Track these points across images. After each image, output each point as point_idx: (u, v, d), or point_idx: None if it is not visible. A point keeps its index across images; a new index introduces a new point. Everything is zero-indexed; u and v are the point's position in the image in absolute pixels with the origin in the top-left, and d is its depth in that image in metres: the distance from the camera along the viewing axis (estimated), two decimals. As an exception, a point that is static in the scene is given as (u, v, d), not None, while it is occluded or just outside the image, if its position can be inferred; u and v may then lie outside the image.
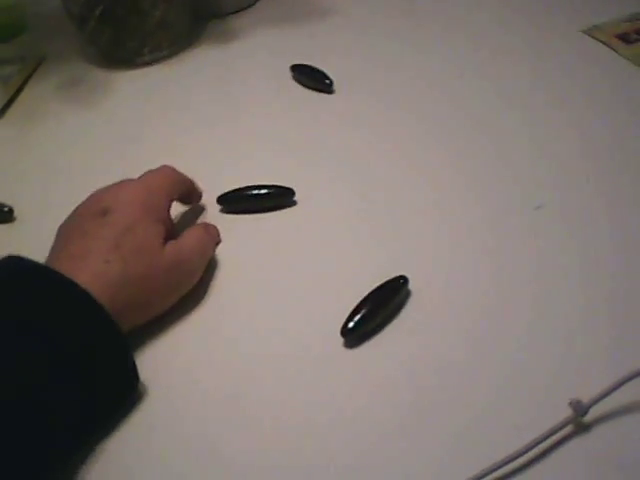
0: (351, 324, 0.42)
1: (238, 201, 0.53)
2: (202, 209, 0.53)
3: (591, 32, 0.65)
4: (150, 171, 0.49)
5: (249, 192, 0.52)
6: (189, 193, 0.51)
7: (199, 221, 0.52)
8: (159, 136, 0.61)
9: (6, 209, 0.54)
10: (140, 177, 0.48)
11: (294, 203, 0.52)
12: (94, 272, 0.39)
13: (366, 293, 0.43)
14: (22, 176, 0.59)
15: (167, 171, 0.49)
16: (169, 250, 0.44)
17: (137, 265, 0.41)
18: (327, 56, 0.66)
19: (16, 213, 0.55)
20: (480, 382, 0.39)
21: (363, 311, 0.42)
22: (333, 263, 0.47)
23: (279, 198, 0.52)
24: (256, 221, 0.51)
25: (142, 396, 0.41)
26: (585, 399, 0.35)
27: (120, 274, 0.40)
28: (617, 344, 0.40)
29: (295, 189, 0.52)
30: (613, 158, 0.52)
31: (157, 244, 0.43)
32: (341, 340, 0.42)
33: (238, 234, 0.50)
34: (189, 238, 0.46)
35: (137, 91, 0.68)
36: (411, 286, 0.44)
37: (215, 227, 0.50)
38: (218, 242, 0.50)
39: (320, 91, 0.63)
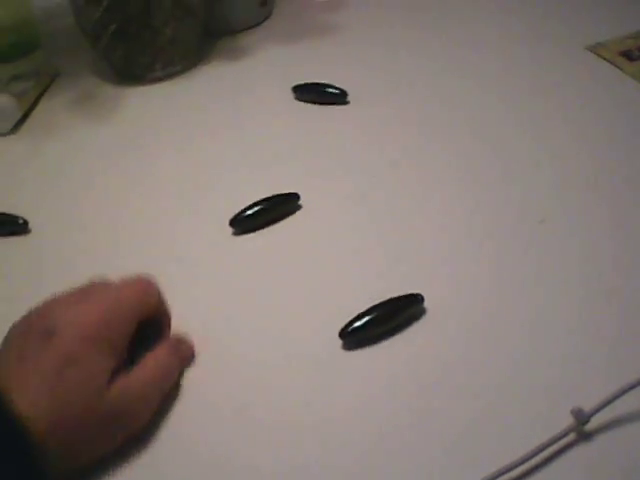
0: (351, 327, 0.43)
1: (248, 221, 0.53)
2: (214, 232, 0.53)
3: (595, 49, 0.66)
4: (125, 284, 0.42)
5: (256, 208, 0.53)
6: (161, 319, 0.44)
7: (210, 244, 0.52)
8: (169, 150, 0.62)
9: (21, 221, 0.55)
10: (111, 287, 0.42)
11: (300, 208, 0.54)
12: (22, 413, 0.34)
13: (370, 302, 0.44)
14: (36, 189, 0.60)
15: (140, 287, 0.43)
16: (114, 391, 0.38)
17: (72, 408, 0.36)
18: (336, 71, 0.68)
19: (31, 225, 0.56)
20: (482, 390, 0.40)
21: (366, 317, 0.43)
22: (340, 270, 0.48)
23: (285, 206, 0.53)
24: (266, 235, 0.52)
25: None
26: (587, 407, 0.36)
27: (46, 423, 0.35)
28: (619, 353, 0.40)
29: (303, 196, 0.53)
30: (617, 174, 0.53)
31: (100, 384, 0.37)
32: (339, 342, 0.43)
33: (250, 252, 0.51)
34: (146, 369, 0.40)
35: (149, 106, 0.69)
36: (425, 303, 0.45)
37: (189, 344, 0.44)
38: (190, 361, 0.44)
39: (332, 104, 0.64)
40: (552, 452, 0.36)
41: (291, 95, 0.66)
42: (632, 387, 0.36)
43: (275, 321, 0.46)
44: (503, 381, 0.40)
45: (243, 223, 0.53)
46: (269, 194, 0.54)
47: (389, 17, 0.76)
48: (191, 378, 0.43)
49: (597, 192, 0.51)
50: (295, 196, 0.53)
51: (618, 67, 0.63)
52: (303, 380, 0.42)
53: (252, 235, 0.52)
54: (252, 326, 0.46)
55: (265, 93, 0.68)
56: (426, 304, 0.45)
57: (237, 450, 0.39)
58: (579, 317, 0.43)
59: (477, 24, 0.73)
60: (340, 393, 0.41)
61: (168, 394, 0.41)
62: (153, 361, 0.41)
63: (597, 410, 0.36)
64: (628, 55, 0.64)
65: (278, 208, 0.53)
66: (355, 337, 0.43)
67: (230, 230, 0.53)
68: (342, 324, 0.43)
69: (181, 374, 0.43)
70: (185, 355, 0.43)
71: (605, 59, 0.64)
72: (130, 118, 0.68)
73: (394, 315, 0.44)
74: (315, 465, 0.38)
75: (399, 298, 0.44)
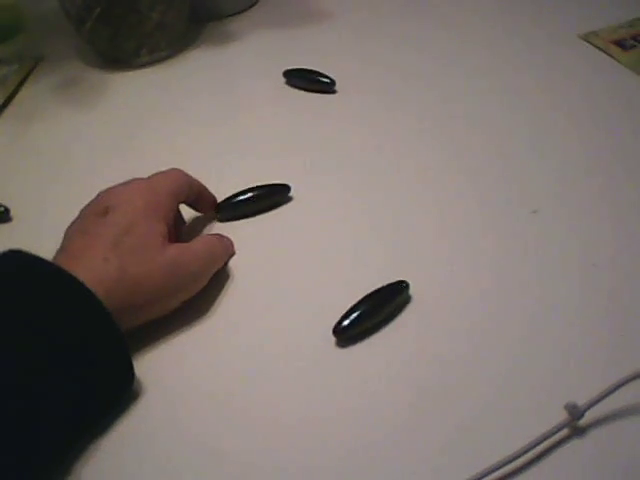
0: (344, 323, 0.42)
1: (235, 208, 0.52)
2: (201, 218, 0.52)
3: (588, 38, 0.65)
4: (159, 172, 0.48)
5: (244, 196, 0.52)
6: (198, 198, 0.50)
7: (200, 231, 0.52)
8: (156, 137, 0.61)
9: (2, 209, 0.54)
10: (147, 177, 0.47)
11: (290, 199, 0.52)
12: (91, 270, 0.39)
13: (361, 293, 0.43)
14: (18, 176, 0.59)
15: (175, 174, 0.48)
16: (171, 251, 0.43)
17: (135, 264, 0.41)
18: (325, 58, 0.67)
19: (12, 213, 0.54)
20: (475, 385, 0.39)
21: (357, 312, 0.42)
22: (330, 262, 0.47)
23: (275, 196, 0.52)
24: (254, 224, 0.51)
25: (138, 395, 0.40)
26: (581, 402, 0.36)
27: (117, 273, 0.40)
28: (613, 347, 0.40)
29: (294, 187, 0.52)
30: (609, 163, 0.52)
31: (157, 243, 0.42)
32: (333, 339, 0.42)
33: (237, 239, 0.50)
34: (197, 243, 0.46)
35: (134, 92, 0.68)
36: (411, 290, 0.44)
37: (230, 240, 0.49)
38: (231, 254, 0.48)
39: (320, 92, 0.63)
40: (546, 447, 0.35)
41: (281, 80, 0.65)
42: (626, 382, 0.36)
43: (269, 318, 0.45)
44: (496, 376, 0.39)
45: (230, 210, 0.52)
46: (257, 181, 0.53)
47: (380, 4, 0.75)
48: (186, 376, 0.42)
49: (591, 182, 0.51)
50: (286, 188, 0.52)
51: (611, 56, 0.63)
52: (295, 378, 0.41)
53: (239, 223, 0.51)
54: (239, 317, 0.45)
55: (252, 79, 0.67)
56: (420, 296, 0.44)
57: (220, 441, 0.38)
58: (572, 311, 0.42)
59: (469, 12, 0.72)
60: (334, 389, 0.40)
61: (215, 274, 0.46)
62: (203, 239, 0.48)
63: (591, 405, 0.35)
64: (621, 44, 0.63)
65: (268, 198, 0.52)
66: (349, 333, 0.42)
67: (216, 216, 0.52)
68: (332, 316, 0.42)
69: (225, 264, 0.47)
70: (228, 244, 0.49)
71: (598, 48, 0.64)
72: (115, 104, 0.66)
73: (383, 306, 0.43)
74: (308, 462, 0.37)
75: (385, 287, 0.44)
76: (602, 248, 0.46)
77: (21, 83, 0.70)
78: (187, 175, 0.49)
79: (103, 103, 0.67)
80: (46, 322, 0.36)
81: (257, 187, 0.52)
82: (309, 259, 0.48)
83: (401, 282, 0.44)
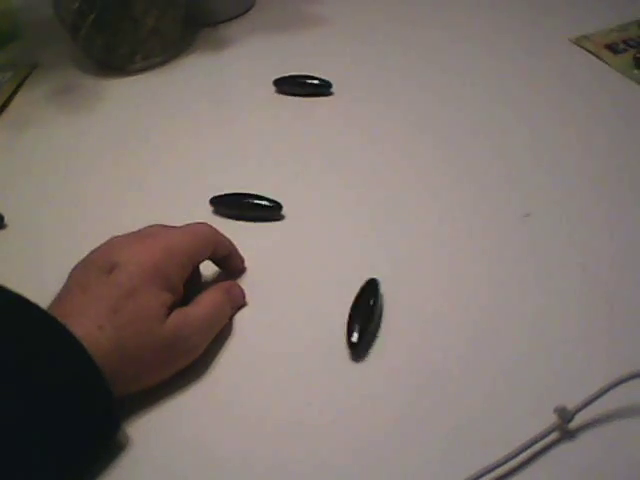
0: (355, 337, 0.42)
1: (230, 206, 0.52)
2: (195, 209, 0.52)
3: (580, 42, 0.65)
4: (184, 226, 0.45)
5: (243, 199, 0.52)
6: (226, 258, 0.47)
7: (190, 220, 0.50)
8: (150, 143, 0.61)
9: (-4, 216, 0.54)
10: (170, 228, 0.44)
11: (282, 217, 0.52)
12: (85, 334, 0.36)
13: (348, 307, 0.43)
14: (13, 183, 0.59)
15: (201, 231, 0.45)
16: (171, 323, 0.40)
17: (131, 336, 0.38)
18: (320, 63, 0.67)
19: (7, 220, 0.55)
20: (465, 390, 0.39)
21: (359, 322, 0.42)
22: (316, 276, 0.47)
23: (267, 211, 0.52)
24: (243, 229, 0.51)
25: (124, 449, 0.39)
26: (570, 406, 0.36)
27: (110, 343, 0.37)
28: (603, 351, 0.40)
29: (285, 200, 0.52)
30: (602, 166, 0.52)
31: (159, 314, 0.40)
32: (347, 353, 0.42)
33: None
34: (200, 306, 0.42)
35: (129, 98, 0.68)
36: (395, 293, 0.44)
37: (240, 289, 0.46)
38: (241, 306, 0.46)
39: (316, 95, 0.64)
40: (536, 451, 0.36)
41: (273, 88, 0.65)
42: (616, 385, 0.36)
43: (257, 331, 0.45)
44: (485, 380, 0.39)
45: (224, 205, 0.52)
46: (249, 189, 0.53)
47: (374, 9, 0.75)
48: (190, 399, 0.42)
49: (583, 185, 0.51)
50: (278, 206, 0.52)
51: (603, 60, 0.63)
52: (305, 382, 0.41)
53: (230, 222, 0.52)
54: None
55: (247, 85, 0.67)
56: (410, 298, 0.44)
57: (231, 445, 0.38)
58: (562, 314, 0.42)
59: (462, 16, 0.72)
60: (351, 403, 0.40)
61: (219, 332, 0.43)
62: (208, 299, 0.43)
63: (581, 408, 0.36)
64: (613, 48, 0.64)
65: (258, 211, 0.52)
66: (362, 345, 0.42)
67: (210, 208, 0.52)
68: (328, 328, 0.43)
69: (232, 317, 0.45)
70: (237, 298, 0.46)
71: (590, 52, 0.64)
72: (110, 110, 0.67)
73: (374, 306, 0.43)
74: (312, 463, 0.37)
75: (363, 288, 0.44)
76: (593, 251, 0.46)
77: (16, 90, 0.71)
78: (215, 233, 0.46)
79: (98, 109, 0.67)
80: (30, 370, 0.35)
81: (254, 195, 0.52)
82: (294, 270, 0.48)
83: (372, 280, 0.44)
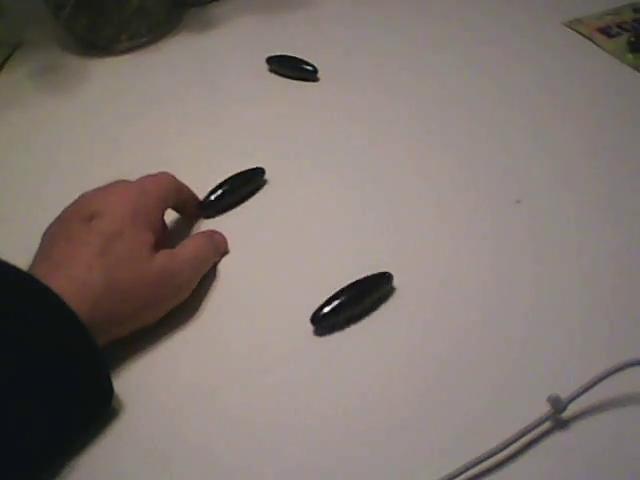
0: (323, 311, 0.42)
1: (217, 204, 0.51)
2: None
3: (573, 25, 0.65)
4: (146, 176, 0.46)
5: (224, 189, 0.51)
6: (185, 202, 0.49)
7: (188, 230, 0.50)
8: (135, 124, 0.60)
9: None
10: (135, 181, 0.46)
11: (265, 182, 0.52)
12: (75, 279, 0.37)
13: (344, 282, 0.43)
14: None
15: (164, 178, 0.46)
16: (159, 259, 0.41)
17: (121, 274, 0.39)
18: (308, 44, 0.66)
19: (-10, 203, 0.54)
20: (457, 379, 0.39)
21: (337, 300, 0.42)
22: (313, 249, 0.47)
23: (252, 182, 0.52)
24: (237, 215, 0.50)
25: (119, 408, 0.39)
26: (564, 395, 0.35)
27: (102, 283, 0.38)
28: (595, 340, 0.40)
29: (272, 173, 0.52)
30: (594, 150, 0.52)
31: (145, 253, 0.41)
32: (311, 328, 0.42)
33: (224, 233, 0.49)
34: (186, 248, 0.44)
35: (114, 78, 0.66)
36: (395, 281, 0.43)
37: (222, 236, 0.48)
38: (224, 252, 0.47)
39: (303, 80, 0.63)
40: (529, 440, 0.35)
41: (264, 67, 0.64)
42: (608, 374, 0.35)
43: (245, 304, 0.44)
44: (477, 369, 0.39)
45: (213, 206, 0.51)
46: (238, 168, 0.52)
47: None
48: (165, 371, 0.41)
49: (575, 170, 0.50)
50: (260, 171, 0.52)
51: (596, 43, 0.62)
52: (275, 367, 0.41)
53: (223, 217, 0.51)
54: (223, 310, 0.44)
55: (234, 65, 0.66)
56: (398, 284, 0.44)
57: (203, 435, 0.38)
58: (555, 303, 0.42)
59: (454, 1, 0.71)
60: (312, 379, 0.40)
61: (204, 275, 0.45)
62: (192, 242, 0.45)
63: (574, 398, 0.35)
64: (606, 32, 0.63)
65: (244, 186, 0.52)
66: (327, 322, 0.42)
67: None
68: (313, 306, 0.42)
69: (215, 264, 0.46)
70: (219, 243, 0.47)
71: (583, 35, 0.63)
72: (95, 91, 0.65)
73: (364, 296, 0.43)
74: (289, 454, 0.37)
75: (368, 278, 0.43)
76: (589, 238, 0.45)
77: (-1, 69, 0.69)
78: (176, 180, 0.47)
79: (82, 90, 0.65)
80: (16, 335, 0.35)
81: (234, 176, 0.52)
82: (293, 246, 0.48)
83: (384, 273, 0.43)
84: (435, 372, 0.39)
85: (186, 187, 0.49)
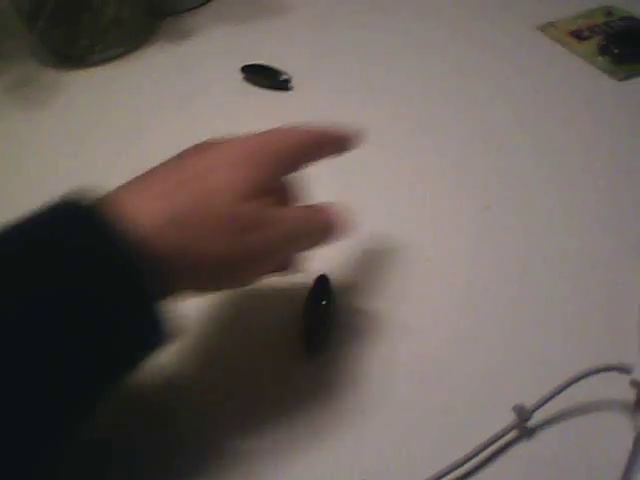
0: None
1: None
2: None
3: (546, 29, 0.65)
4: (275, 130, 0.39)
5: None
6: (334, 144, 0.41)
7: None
8: (111, 135, 0.60)
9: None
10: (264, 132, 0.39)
11: None
12: (148, 203, 0.33)
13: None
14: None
15: (292, 136, 0.39)
16: (246, 207, 0.34)
17: (192, 207, 0.33)
18: (283, 54, 0.66)
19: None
20: (422, 387, 0.39)
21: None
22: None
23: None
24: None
25: None
26: (528, 404, 0.35)
27: (179, 210, 0.33)
28: (560, 348, 0.40)
29: None
30: (565, 156, 0.52)
31: (231, 195, 0.33)
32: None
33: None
34: (289, 210, 0.37)
35: (89, 90, 0.66)
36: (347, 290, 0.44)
37: (340, 218, 0.38)
38: (333, 235, 0.37)
39: (277, 89, 0.63)
40: (495, 450, 0.35)
41: (239, 76, 0.64)
42: (572, 382, 0.35)
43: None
44: (442, 378, 0.39)
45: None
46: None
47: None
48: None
49: (544, 176, 0.51)
50: None
51: (567, 47, 0.62)
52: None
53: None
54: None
55: (210, 75, 0.66)
56: (360, 295, 0.44)
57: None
58: (519, 310, 0.42)
59: (425, 5, 0.71)
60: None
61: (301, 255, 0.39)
62: (300, 209, 0.38)
63: (538, 406, 0.35)
64: (578, 35, 0.63)
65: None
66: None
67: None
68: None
69: (330, 241, 0.38)
70: (330, 225, 0.37)
71: (555, 39, 0.64)
72: (70, 103, 0.65)
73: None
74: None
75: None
76: (553, 243, 0.46)
77: (-27, 83, 0.69)
78: (311, 137, 0.40)
79: (57, 102, 0.65)
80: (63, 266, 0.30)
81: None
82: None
83: (321, 276, 0.44)
84: (399, 383, 0.39)
85: (324, 132, 0.41)
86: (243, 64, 0.65)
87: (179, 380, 0.41)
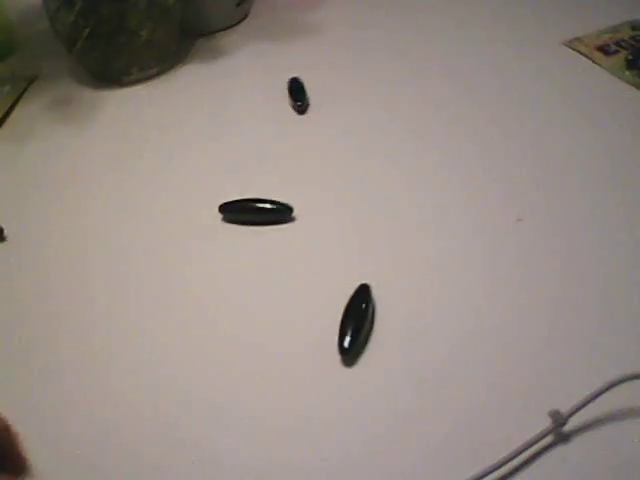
0: (347, 342, 0.42)
1: (239, 211, 0.53)
2: (204, 217, 0.54)
3: (572, 44, 0.66)
4: None
5: (250, 204, 0.53)
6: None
7: (200, 229, 0.52)
8: (148, 153, 0.62)
9: (-5, 229, 0.55)
10: None
11: (292, 219, 0.53)
12: None
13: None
14: (12, 195, 0.60)
15: None
16: None
17: None
18: (314, 72, 0.67)
19: (7, 232, 0.55)
20: (458, 394, 0.40)
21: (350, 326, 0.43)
22: (323, 277, 0.48)
23: (278, 214, 0.53)
24: (254, 234, 0.52)
25: None
26: (564, 409, 0.36)
27: None
28: (596, 353, 0.40)
29: (296, 208, 0.53)
30: (595, 169, 0.53)
31: None
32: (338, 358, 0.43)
33: (236, 243, 0.51)
34: None
35: (125, 109, 0.68)
36: (386, 299, 0.45)
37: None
38: None
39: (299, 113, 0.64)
40: (530, 454, 0.36)
41: (273, 94, 0.65)
42: (609, 388, 0.36)
43: (260, 332, 0.46)
44: (478, 384, 0.40)
45: (232, 212, 0.53)
46: (253, 194, 0.54)
47: (370, 17, 0.76)
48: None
49: (576, 188, 0.51)
50: (289, 209, 0.53)
51: (595, 62, 0.63)
52: (292, 393, 0.42)
53: (240, 228, 0.53)
54: (226, 333, 0.46)
55: (243, 94, 0.68)
56: (404, 303, 0.44)
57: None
58: (556, 317, 0.43)
59: (452, 23, 0.72)
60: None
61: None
62: None
63: (574, 412, 0.36)
64: (604, 50, 0.64)
65: (270, 213, 0.53)
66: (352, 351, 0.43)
67: (220, 216, 0.53)
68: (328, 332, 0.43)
69: None
70: None
71: (582, 54, 0.65)
72: (107, 122, 0.67)
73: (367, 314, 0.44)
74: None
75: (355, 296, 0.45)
76: (587, 254, 0.46)
77: (15, 102, 0.71)
78: None
79: (96, 121, 0.67)
80: None
81: (262, 199, 0.53)
82: (304, 273, 0.49)
83: (363, 285, 0.45)
84: (434, 389, 0.40)
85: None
86: (272, 84, 0.66)
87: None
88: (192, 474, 0.38)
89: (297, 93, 0.65)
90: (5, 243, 0.55)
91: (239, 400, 0.41)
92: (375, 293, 0.45)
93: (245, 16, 0.80)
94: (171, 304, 0.48)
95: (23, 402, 0.43)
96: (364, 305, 0.44)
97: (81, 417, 0.41)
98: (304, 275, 0.48)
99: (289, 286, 0.48)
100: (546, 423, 0.36)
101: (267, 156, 0.59)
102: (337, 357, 0.42)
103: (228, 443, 0.39)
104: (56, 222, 0.56)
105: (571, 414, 0.36)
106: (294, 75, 0.67)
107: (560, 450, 0.36)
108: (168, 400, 0.42)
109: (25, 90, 0.73)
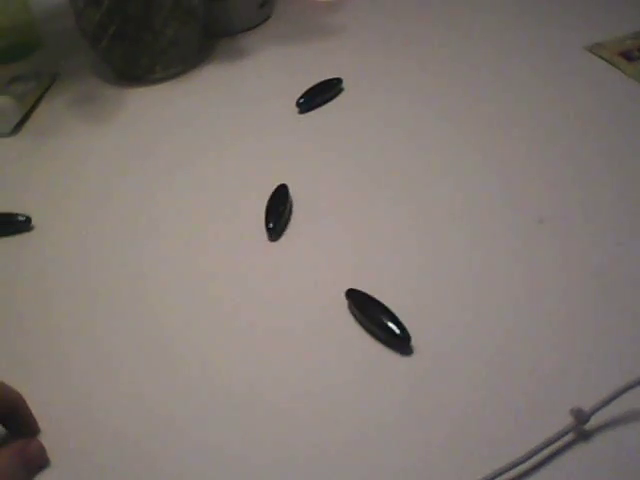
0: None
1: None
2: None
3: (594, 49, 0.66)
4: None
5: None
6: (13, 414, 0.39)
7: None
8: (170, 151, 0.62)
9: (23, 218, 0.56)
10: None
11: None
12: None
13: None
14: (38, 188, 0.60)
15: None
16: None
17: None
18: (339, 71, 0.68)
19: (33, 222, 0.56)
20: (482, 389, 0.40)
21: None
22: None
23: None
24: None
25: None
26: (586, 407, 0.36)
27: None
28: (618, 352, 0.40)
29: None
30: (616, 173, 0.53)
31: None
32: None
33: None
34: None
35: (149, 107, 0.69)
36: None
37: (40, 445, 0.39)
38: (39, 464, 0.38)
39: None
40: (552, 451, 0.36)
41: (294, 97, 0.66)
42: (632, 386, 0.36)
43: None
44: (501, 380, 0.40)
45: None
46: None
47: (391, 19, 0.76)
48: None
49: (597, 192, 0.51)
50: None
51: (617, 67, 0.63)
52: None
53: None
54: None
55: (266, 94, 0.68)
56: (417, 311, 0.45)
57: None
58: (579, 316, 0.43)
59: (475, 27, 0.73)
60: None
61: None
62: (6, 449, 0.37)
63: (596, 410, 0.36)
64: (627, 55, 0.64)
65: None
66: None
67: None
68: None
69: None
70: (34, 458, 0.38)
71: (604, 59, 0.65)
72: (130, 119, 0.68)
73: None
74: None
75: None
76: (608, 255, 0.46)
77: (39, 99, 0.72)
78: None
79: (119, 118, 0.68)
80: None
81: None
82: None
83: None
84: (456, 384, 0.40)
85: (13, 393, 0.39)
86: (294, 86, 0.66)
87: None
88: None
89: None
90: (32, 232, 0.56)
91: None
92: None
93: (267, 17, 0.80)
94: (200, 299, 0.48)
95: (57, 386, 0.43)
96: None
97: (126, 413, 0.42)
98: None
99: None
100: (567, 421, 0.36)
101: (283, 155, 0.60)
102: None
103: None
104: (79, 213, 0.57)
105: (593, 412, 0.36)
106: (314, 77, 0.67)
107: (581, 448, 0.36)
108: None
109: (49, 87, 0.74)
